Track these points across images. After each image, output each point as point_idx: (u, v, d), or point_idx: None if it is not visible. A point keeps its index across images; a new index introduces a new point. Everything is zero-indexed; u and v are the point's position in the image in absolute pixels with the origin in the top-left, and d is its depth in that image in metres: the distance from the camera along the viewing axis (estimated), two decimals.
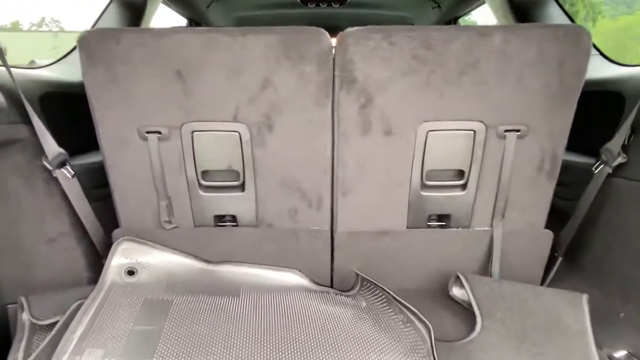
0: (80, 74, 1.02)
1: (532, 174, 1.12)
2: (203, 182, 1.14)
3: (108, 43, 0.99)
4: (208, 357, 0.91)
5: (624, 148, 1.08)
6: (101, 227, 1.19)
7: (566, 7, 1.61)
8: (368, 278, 1.14)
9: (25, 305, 1.03)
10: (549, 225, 1.18)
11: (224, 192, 1.16)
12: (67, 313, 1.01)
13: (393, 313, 1.05)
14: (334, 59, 1.03)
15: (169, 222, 1.17)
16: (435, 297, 1.19)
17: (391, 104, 1.05)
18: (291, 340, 0.97)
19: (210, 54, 1.01)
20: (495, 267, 1.18)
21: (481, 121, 1.07)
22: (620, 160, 1.08)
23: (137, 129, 1.07)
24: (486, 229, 1.18)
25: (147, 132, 1.07)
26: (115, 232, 1.18)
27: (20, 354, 0.96)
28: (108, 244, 1.18)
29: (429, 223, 1.20)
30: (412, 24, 2.77)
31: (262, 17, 2.76)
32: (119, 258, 1.15)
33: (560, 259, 1.25)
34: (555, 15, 1.59)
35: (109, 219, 1.19)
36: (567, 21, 1.60)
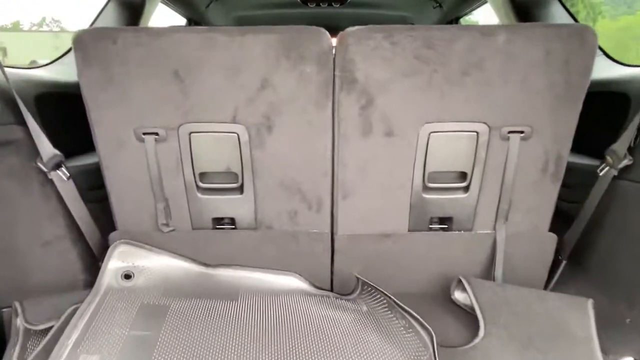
0: (76, 74, 1.00)
1: (536, 176, 1.10)
2: (201, 184, 1.12)
3: (104, 43, 0.97)
4: None
5: (630, 150, 1.06)
6: (97, 230, 1.17)
7: None
8: (369, 282, 1.12)
9: (19, 311, 1.02)
10: (552, 228, 1.17)
11: (222, 194, 1.14)
12: (62, 318, 0.99)
13: (394, 318, 1.03)
14: (334, 59, 1.02)
15: (167, 224, 1.15)
16: (437, 301, 1.17)
17: (392, 105, 1.03)
18: (290, 346, 0.96)
19: (209, 53, 0.99)
20: (498, 270, 1.16)
21: (484, 122, 1.05)
22: (626, 162, 1.06)
23: (133, 130, 1.05)
24: (489, 231, 1.16)
25: (144, 134, 1.05)
26: (112, 235, 1.16)
27: None
28: (104, 247, 1.16)
29: (430, 226, 1.18)
30: (413, 24, 2.75)
31: (262, 16, 2.74)
32: (116, 261, 1.13)
33: (564, 263, 1.23)
34: (558, 15, 1.57)
35: (106, 221, 1.17)
36: (570, 20, 1.58)
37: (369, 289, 1.13)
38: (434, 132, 1.06)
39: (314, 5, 2.50)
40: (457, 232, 1.17)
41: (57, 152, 1.06)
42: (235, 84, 1.01)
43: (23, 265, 1.12)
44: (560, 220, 1.18)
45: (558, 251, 1.21)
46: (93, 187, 1.20)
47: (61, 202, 1.10)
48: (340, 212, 1.14)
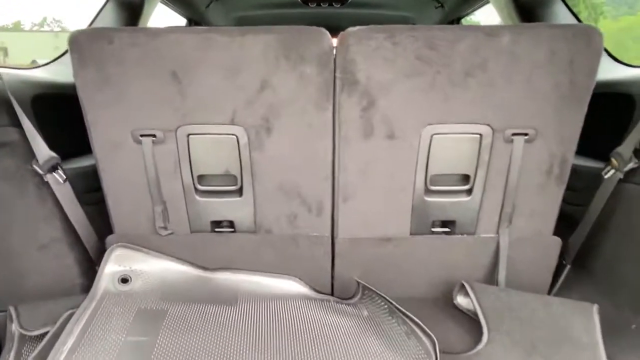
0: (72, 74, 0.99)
1: (541, 179, 1.08)
2: (199, 187, 1.10)
3: (100, 43, 0.95)
4: None
5: (636, 152, 1.04)
6: (94, 233, 1.15)
7: None
8: (369, 286, 1.11)
9: (14, 316, 1.00)
10: (556, 231, 1.15)
11: (221, 197, 1.12)
12: (58, 323, 0.98)
13: (396, 324, 1.01)
14: (335, 60, 1.00)
15: (164, 228, 1.13)
16: (439, 306, 1.15)
17: (394, 107, 1.01)
18: (290, 351, 0.94)
19: (207, 54, 0.97)
20: (502, 275, 1.14)
21: (488, 124, 1.03)
22: (632, 165, 1.04)
23: (130, 131, 1.03)
24: (492, 235, 1.15)
25: (141, 135, 1.03)
26: (109, 239, 1.15)
27: None
28: (102, 251, 1.15)
29: (432, 229, 1.16)
30: (415, 24, 2.73)
31: (263, 17, 2.73)
32: (113, 265, 1.12)
33: (568, 267, 1.21)
34: (561, 15, 1.55)
35: (103, 223, 1.16)
36: (573, 20, 1.57)
37: (370, 293, 1.12)
38: (437, 134, 1.04)
39: (315, 5, 2.48)
40: (459, 235, 1.15)
41: (53, 154, 1.05)
42: (234, 85, 0.99)
43: (19, 269, 1.10)
44: (565, 224, 1.16)
45: (562, 255, 1.19)
46: (90, 190, 1.19)
47: (57, 204, 1.09)
48: (341, 216, 1.13)
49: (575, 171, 1.10)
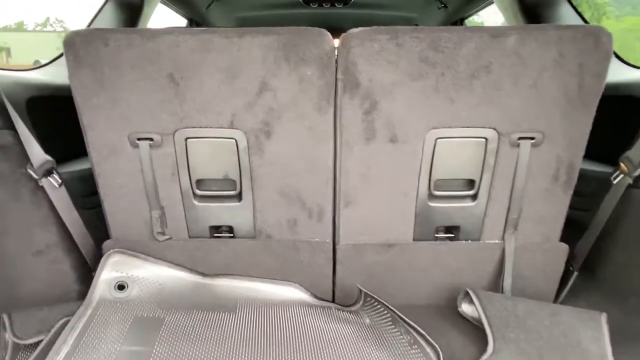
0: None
1: (547, 185, 1.05)
2: (198, 192, 1.08)
3: (95, 44, 0.93)
4: None
5: None
6: (91, 238, 1.13)
7: None
8: (372, 295, 1.08)
9: (7, 324, 0.98)
10: (563, 237, 1.12)
11: (219, 201, 1.10)
12: (52, 331, 0.95)
13: (399, 333, 0.99)
14: (336, 62, 0.97)
15: (162, 233, 1.11)
16: (443, 313, 1.12)
17: (397, 110, 0.98)
18: (290, 359, 0.92)
19: (205, 56, 0.95)
20: (507, 282, 1.12)
21: (494, 128, 1.00)
22: None
23: (127, 135, 1.01)
24: (497, 241, 1.12)
25: (138, 139, 1.01)
26: (106, 244, 1.12)
27: None
28: (98, 256, 1.13)
29: (436, 235, 1.13)
30: (418, 25, 2.71)
31: (264, 17, 2.71)
32: (109, 271, 1.09)
33: (575, 274, 1.18)
34: (568, 16, 1.52)
35: (102, 228, 1.13)
36: (579, 21, 1.54)
37: (372, 301, 1.09)
38: (441, 138, 1.01)
39: (317, 5, 2.46)
40: (464, 241, 1.12)
41: (48, 157, 1.02)
42: (233, 88, 0.97)
43: (14, 275, 1.08)
44: (572, 230, 1.13)
45: (569, 262, 1.16)
46: (88, 194, 1.17)
47: (53, 209, 1.07)
48: (342, 221, 1.10)
49: (583, 176, 1.07)
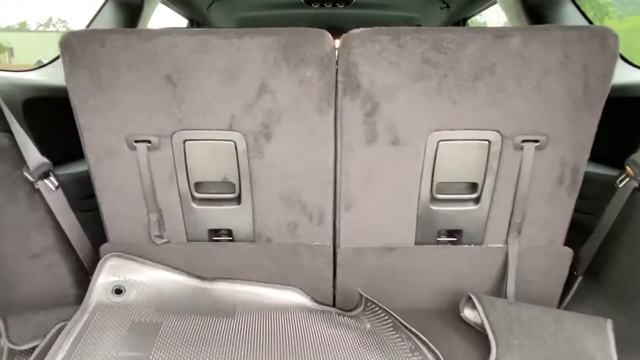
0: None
1: (552, 188, 1.03)
2: (196, 195, 1.06)
3: (91, 45, 0.91)
4: None
5: None
6: (88, 241, 1.12)
7: None
8: (373, 300, 1.06)
9: (2, 329, 0.96)
10: (568, 241, 1.10)
11: (218, 205, 1.08)
12: (48, 337, 0.94)
13: (400, 339, 0.97)
14: (337, 63, 0.96)
15: (160, 236, 1.09)
16: (445, 318, 1.10)
17: (399, 112, 0.97)
18: None
19: (204, 56, 0.93)
20: (510, 286, 1.10)
21: (497, 131, 0.98)
22: None
23: (125, 137, 0.99)
24: (500, 245, 1.10)
25: (136, 141, 0.99)
26: (103, 247, 1.11)
27: None
28: (96, 260, 1.11)
29: (438, 239, 1.11)
30: (420, 26, 2.69)
31: (265, 17, 2.69)
32: (106, 275, 1.08)
33: (580, 278, 1.16)
34: (573, 16, 1.50)
35: (99, 231, 1.12)
36: (584, 22, 1.51)
37: (373, 306, 1.07)
38: (443, 140, 1.00)
39: (318, 6, 2.44)
40: (466, 245, 1.11)
41: (44, 160, 1.01)
42: (232, 90, 0.96)
43: (9, 278, 1.06)
44: (577, 233, 1.11)
45: (574, 266, 1.14)
46: (85, 196, 1.15)
47: (49, 212, 1.05)
48: (343, 224, 1.08)
49: (588, 179, 1.05)
